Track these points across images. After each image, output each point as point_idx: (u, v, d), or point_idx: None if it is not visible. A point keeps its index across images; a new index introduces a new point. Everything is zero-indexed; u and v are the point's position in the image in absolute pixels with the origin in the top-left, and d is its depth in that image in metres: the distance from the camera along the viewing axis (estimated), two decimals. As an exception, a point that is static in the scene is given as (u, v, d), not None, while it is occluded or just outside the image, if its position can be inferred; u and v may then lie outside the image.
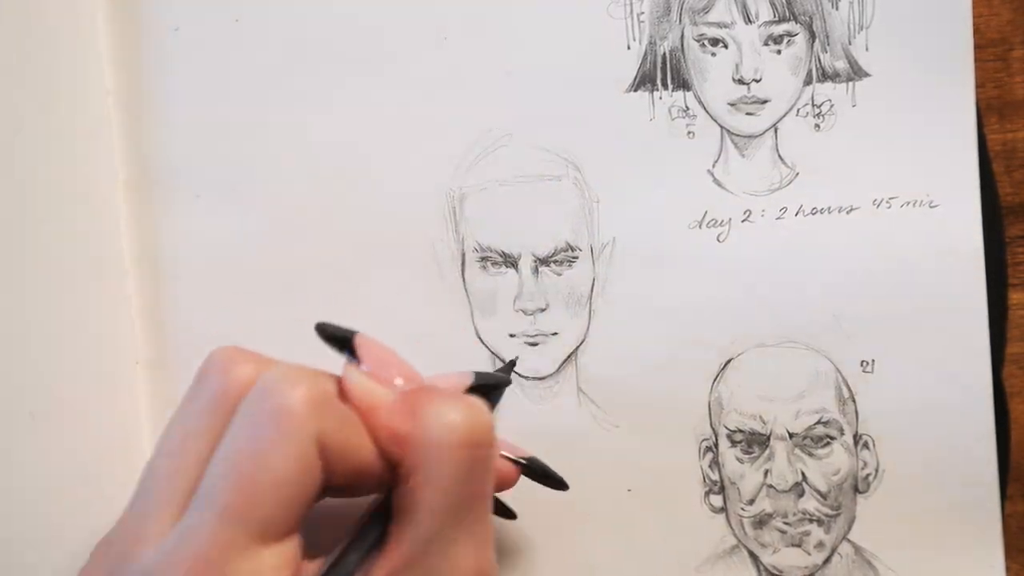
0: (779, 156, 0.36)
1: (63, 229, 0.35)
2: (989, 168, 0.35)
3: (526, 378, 0.37)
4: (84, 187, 0.36)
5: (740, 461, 0.36)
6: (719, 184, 0.36)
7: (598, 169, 0.36)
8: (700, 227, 0.36)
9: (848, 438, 0.36)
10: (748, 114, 0.36)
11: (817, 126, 0.35)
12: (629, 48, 0.36)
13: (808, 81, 0.35)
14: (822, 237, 0.35)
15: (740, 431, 0.36)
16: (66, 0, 0.36)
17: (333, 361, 0.28)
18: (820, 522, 0.36)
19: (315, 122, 0.37)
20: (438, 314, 0.37)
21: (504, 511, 0.34)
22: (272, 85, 0.37)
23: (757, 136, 0.36)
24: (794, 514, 0.36)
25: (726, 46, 0.35)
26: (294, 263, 0.37)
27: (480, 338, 0.37)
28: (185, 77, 0.37)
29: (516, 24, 0.36)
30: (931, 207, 0.35)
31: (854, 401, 0.36)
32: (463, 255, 0.37)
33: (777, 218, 0.36)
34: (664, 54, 0.36)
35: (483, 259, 0.37)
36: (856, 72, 0.35)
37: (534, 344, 0.37)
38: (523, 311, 0.37)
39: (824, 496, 0.36)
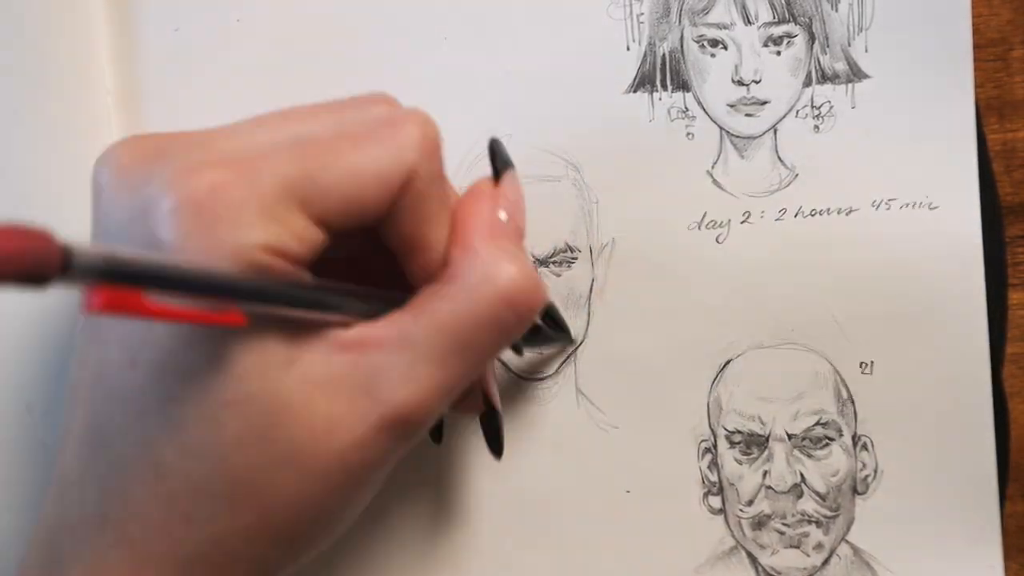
0: (778, 157, 0.36)
1: (63, 229, 0.35)
2: (989, 168, 0.35)
3: (526, 378, 0.37)
4: (84, 187, 0.36)
5: (739, 462, 0.36)
6: (718, 185, 0.36)
7: (597, 170, 0.36)
8: (699, 228, 0.36)
9: (847, 439, 0.36)
10: (747, 115, 0.36)
11: (816, 127, 0.35)
12: (628, 49, 0.36)
13: (808, 82, 0.35)
14: (821, 238, 0.35)
15: (739, 432, 0.36)
16: (66, 0, 0.36)
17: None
18: (819, 523, 0.36)
19: (315, 123, 0.37)
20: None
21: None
22: (272, 85, 0.37)
23: (756, 137, 0.36)
24: (793, 515, 0.36)
25: (726, 47, 0.35)
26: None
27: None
28: (185, 77, 0.37)
29: (516, 24, 0.36)
30: (931, 208, 0.35)
31: (853, 402, 0.36)
32: (462, 256, 0.37)
33: (776, 219, 0.36)
34: (664, 55, 0.36)
35: (482, 260, 0.37)
36: (855, 73, 0.35)
37: (533, 345, 0.37)
38: (523, 312, 0.37)
39: (823, 497, 0.36)
